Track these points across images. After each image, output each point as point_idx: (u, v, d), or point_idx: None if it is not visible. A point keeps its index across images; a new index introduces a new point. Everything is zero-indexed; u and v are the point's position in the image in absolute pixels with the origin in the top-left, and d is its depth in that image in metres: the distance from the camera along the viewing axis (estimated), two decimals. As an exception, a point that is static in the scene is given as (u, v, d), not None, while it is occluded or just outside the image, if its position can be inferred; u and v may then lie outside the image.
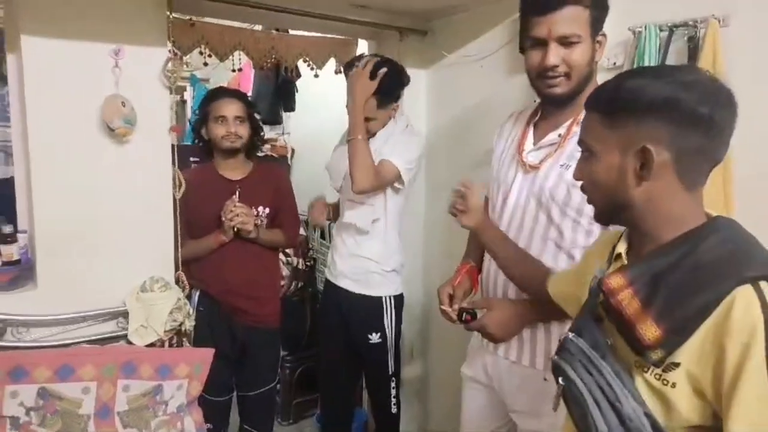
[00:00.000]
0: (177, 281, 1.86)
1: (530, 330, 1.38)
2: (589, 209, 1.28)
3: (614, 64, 1.75)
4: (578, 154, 1.29)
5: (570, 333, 0.92)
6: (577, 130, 1.32)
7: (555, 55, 1.27)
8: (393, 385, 2.16)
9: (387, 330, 2.10)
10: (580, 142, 0.94)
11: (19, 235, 1.67)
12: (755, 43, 1.44)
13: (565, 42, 1.26)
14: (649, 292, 0.82)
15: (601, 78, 1.81)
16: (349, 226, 2.07)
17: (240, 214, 2.00)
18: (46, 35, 1.58)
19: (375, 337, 2.09)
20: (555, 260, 1.33)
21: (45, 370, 1.57)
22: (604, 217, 0.96)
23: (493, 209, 1.50)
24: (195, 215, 2.03)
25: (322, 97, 3.18)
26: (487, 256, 1.49)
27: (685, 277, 0.80)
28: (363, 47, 2.62)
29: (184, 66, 4.46)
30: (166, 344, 1.80)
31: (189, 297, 2.00)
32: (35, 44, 1.58)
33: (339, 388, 2.28)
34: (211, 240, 2.05)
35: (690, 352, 0.79)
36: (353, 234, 2.08)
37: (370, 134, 2.00)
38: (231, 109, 2.03)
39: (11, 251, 1.64)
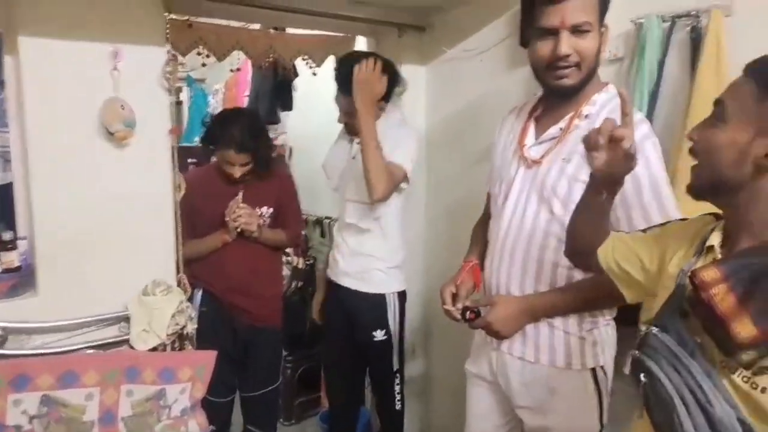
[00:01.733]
0: (179, 284, 1.84)
1: (534, 325, 1.37)
2: None
3: (615, 55, 1.74)
4: (580, 148, 1.25)
5: (654, 328, 0.86)
6: (578, 123, 1.31)
7: (567, 44, 1.24)
8: (397, 381, 2.15)
9: (391, 327, 2.09)
10: (717, 102, 0.86)
11: (19, 242, 1.65)
12: (759, 32, 1.42)
13: (577, 30, 1.24)
14: (747, 289, 0.76)
15: (602, 71, 1.81)
16: (351, 225, 2.05)
17: (244, 215, 2.00)
18: (43, 36, 1.56)
19: (380, 335, 2.07)
20: (557, 255, 1.32)
21: (48, 378, 1.55)
22: (703, 190, 0.88)
23: (494, 204, 1.49)
24: (199, 215, 2.03)
25: (320, 95, 3.15)
26: (489, 253, 1.47)
27: None
28: (361, 44, 2.60)
29: (181, 67, 4.46)
30: (169, 348, 1.79)
31: (191, 298, 1.98)
32: (33, 46, 1.55)
33: (346, 386, 2.28)
34: (214, 239, 2.05)
35: None
36: (354, 233, 2.07)
37: (356, 131, 1.98)
38: (238, 159, 2.03)
39: (12, 258, 1.62)
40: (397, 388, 2.15)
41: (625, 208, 1.24)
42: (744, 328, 0.74)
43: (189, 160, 3.28)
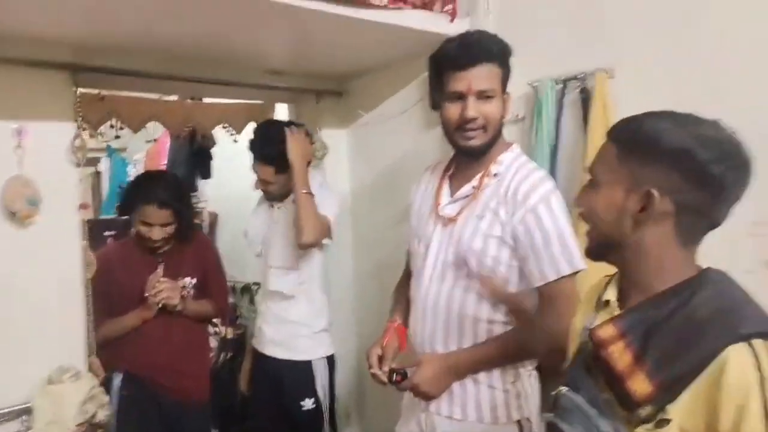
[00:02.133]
0: (90, 368, 1.72)
1: (459, 383, 1.37)
2: (506, 257, 1.33)
3: (518, 116, 1.86)
4: (493, 205, 1.34)
5: (563, 388, 0.87)
6: (487, 182, 1.38)
7: (473, 108, 1.32)
8: None
9: (320, 394, 2.03)
10: (590, 169, 0.91)
11: None
12: (639, 91, 1.57)
13: (483, 96, 1.33)
14: (642, 345, 0.78)
15: (507, 130, 1.93)
16: (274, 292, 2.02)
17: (165, 289, 1.92)
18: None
19: (308, 403, 2.01)
20: (477, 309, 1.35)
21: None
22: (594, 251, 0.92)
23: (414, 262, 1.52)
24: (116, 292, 1.93)
25: (241, 161, 3.16)
26: (413, 312, 1.48)
27: (678, 331, 0.78)
28: (282, 110, 2.65)
29: (99, 137, 4.35)
30: (80, 439, 1.65)
31: (109, 382, 1.86)
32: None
33: None
34: (134, 317, 1.94)
35: (682, 408, 0.76)
36: (279, 300, 2.04)
37: (275, 197, 2.02)
38: (158, 217, 1.93)
39: None
40: None
41: (537, 261, 1.29)
42: (640, 385, 0.76)
43: (107, 233, 3.15)
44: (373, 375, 1.43)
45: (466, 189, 1.41)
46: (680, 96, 1.52)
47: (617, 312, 0.88)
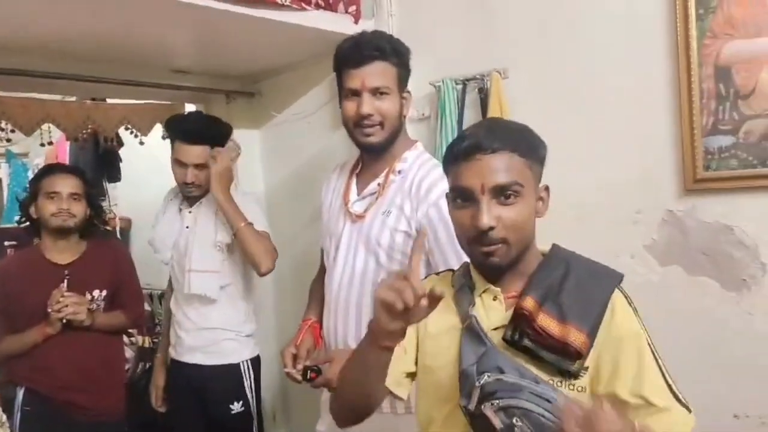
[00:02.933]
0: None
1: None
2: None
3: (423, 114, 1.93)
4: (398, 201, 1.37)
5: (485, 375, 0.88)
6: (393, 178, 1.42)
7: (368, 104, 1.36)
8: None
9: (248, 396, 2.00)
10: (503, 186, 0.90)
11: None
12: (529, 90, 1.68)
13: (377, 93, 1.36)
14: (557, 309, 0.88)
15: (411, 129, 1.99)
16: (193, 297, 1.97)
17: (70, 304, 1.79)
18: None
19: (237, 406, 1.97)
20: None
21: None
22: (511, 261, 0.93)
23: (327, 258, 1.54)
24: (17, 306, 1.80)
25: (154, 162, 3.05)
26: (326, 308, 1.50)
27: (576, 290, 0.90)
28: (190, 110, 2.59)
29: (-2, 141, 4.06)
30: (-25, 462, 1.55)
31: (11, 397, 1.76)
32: None
33: None
34: (34, 334, 1.80)
35: (592, 354, 0.88)
36: (197, 305, 1.97)
37: (199, 193, 1.94)
38: (65, 184, 1.84)
39: None
40: None
41: (441, 253, 1.33)
42: (577, 338, 0.85)
43: (7, 243, 2.95)
44: (288, 374, 1.43)
45: (372, 186, 1.45)
46: (567, 94, 1.64)
47: (500, 297, 0.96)
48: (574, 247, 0.98)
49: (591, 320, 0.87)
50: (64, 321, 1.81)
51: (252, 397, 2.01)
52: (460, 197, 0.93)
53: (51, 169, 1.92)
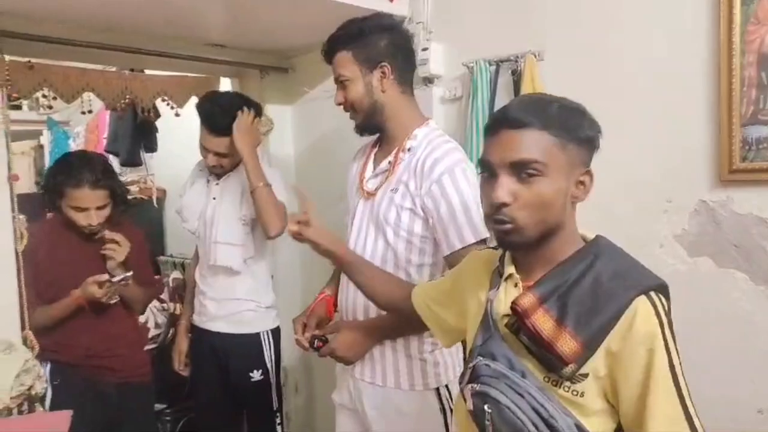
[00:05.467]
0: (24, 342, 1.70)
1: (380, 351, 1.44)
2: (420, 229, 1.38)
3: (454, 95, 1.92)
4: (405, 178, 1.39)
5: (480, 358, 0.90)
6: (402, 155, 1.44)
7: (337, 95, 1.46)
8: (279, 420, 2.12)
9: (268, 365, 2.07)
10: (522, 161, 0.87)
11: None
12: (563, 73, 1.65)
13: (340, 83, 1.44)
14: (560, 309, 0.84)
15: (442, 109, 1.98)
16: (218, 268, 2.03)
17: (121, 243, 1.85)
18: None
19: (257, 375, 2.04)
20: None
21: None
22: (531, 242, 0.90)
23: (344, 235, 1.58)
24: (47, 277, 1.83)
25: (189, 134, 3.11)
26: (342, 283, 1.53)
27: (589, 292, 0.84)
28: (225, 84, 2.62)
29: (41, 109, 4.19)
30: (15, 411, 1.64)
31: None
32: None
33: None
34: (65, 305, 1.83)
35: (596, 361, 0.84)
36: (224, 276, 2.04)
37: (223, 172, 2.00)
38: (92, 200, 1.82)
39: None
40: (279, 429, 2.12)
41: (444, 231, 1.35)
42: (567, 346, 0.82)
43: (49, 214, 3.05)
44: (297, 341, 1.49)
45: (384, 164, 1.48)
46: (603, 78, 1.61)
47: (520, 284, 0.94)
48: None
49: (593, 328, 0.83)
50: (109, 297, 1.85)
51: (272, 366, 2.08)
52: (486, 170, 0.92)
53: (74, 174, 1.81)
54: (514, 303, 0.87)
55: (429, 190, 1.34)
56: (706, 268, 1.50)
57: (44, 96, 1.99)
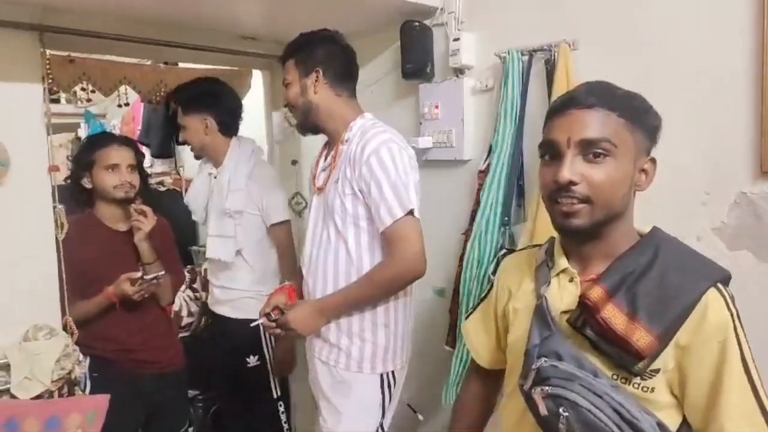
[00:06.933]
0: (64, 327, 1.76)
1: (336, 333, 1.51)
2: (363, 212, 1.45)
3: (486, 86, 1.89)
4: (344, 167, 1.46)
5: (544, 359, 0.86)
6: (342, 147, 1.50)
7: (285, 96, 1.61)
8: (282, 410, 2.16)
9: (265, 352, 2.11)
10: (599, 142, 0.84)
11: None
12: (599, 63, 1.61)
13: (285, 86, 1.60)
14: (630, 302, 0.81)
15: (472, 101, 1.96)
16: (214, 260, 2.09)
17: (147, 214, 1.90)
18: None
19: (253, 360, 2.11)
20: (347, 265, 1.49)
21: None
22: (591, 228, 0.87)
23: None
24: (81, 269, 1.86)
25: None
26: (305, 274, 1.61)
27: (657, 284, 0.82)
28: (256, 76, 2.65)
29: (78, 102, 4.29)
30: (56, 394, 1.70)
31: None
32: None
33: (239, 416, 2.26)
34: (102, 299, 1.87)
35: (665, 355, 0.81)
36: (221, 267, 2.11)
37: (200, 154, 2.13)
38: (123, 156, 1.90)
39: None
40: (282, 417, 2.16)
41: (376, 209, 1.42)
42: (642, 340, 0.79)
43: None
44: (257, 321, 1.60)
45: (329, 159, 1.57)
46: (639, 68, 1.57)
47: (576, 278, 0.91)
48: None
49: (667, 321, 0.80)
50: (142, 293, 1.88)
51: (268, 353, 2.12)
52: (548, 152, 0.89)
53: (104, 139, 1.95)
54: (583, 297, 0.84)
55: (360, 173, 1.42)
56: (746, 262, 1.46)
57: (83, 89, 2.04)
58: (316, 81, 1.54)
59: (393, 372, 1.53)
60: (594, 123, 0.84)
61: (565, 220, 0.87)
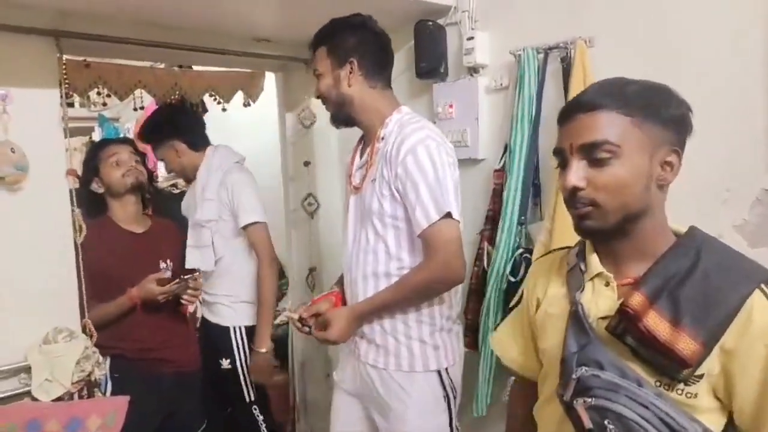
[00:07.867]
0: (84, 330, 1.78)
1: (381, 335, 1.47)
2: (402, 213, 1.40)
3: (500, 85, 1.88)
4: (380, 166, 1.41)
5: (584, 368, 0.83)
6: (378, 145, 1.45)
7: (315, 89, 1.55)
8: (257, 413, 2.18)
9: (236, 356, 2.14)
10: (598, 145, 0.84)
11: None
12: (617, 59, 1.59)
13: (316, 76, 1.53)
14: (672, 308, 0.79)
15: (487, 100, 1.94)
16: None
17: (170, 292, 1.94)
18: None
19: (225, 363, 2.14)
20: (387, 265, 1.45)
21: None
22: (613, 229, 0.86)
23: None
24: (101, 272, 1.87)
25: (232, 130, 3.16)
26: (346, 281, 1.56)
27: (700, 287, 0.79)
28: (269, 79, 2.65)
29: (92, 106, 4.33)
30: (76, 396, 1.72)
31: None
32: None
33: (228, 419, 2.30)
34: (124, 301, 1.91)
35: (710, 360, 0.79)
36: (206, 275, 2.14)
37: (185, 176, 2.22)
38: (124, 149, 2.00)
39: None
40: (259, 419, 2.18)
41: (412, 211, 1.37)
42: (688, 347, 0.77)
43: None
44: (290, 317, 1.56)
45: (365, 157, 1.51)
46: (657, 64, 1.55)
47: (613, 283, 0.88)
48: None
49: (711, 326, 0.77)
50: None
51: (240, 358, 2.14)
52: (559, 160, 0.89)
53: (104, 143, 2.08)
54: (624, 305, 0.82)
55: (397, 173, 1.38)
56: (769, 260, 1.43)
57: (98, 93, 2.05)
58: (350, 73, 1.47)
59: (447, 369, 1.48)
60: (595, 126, 0.84)
61: (579, 224, 0.88)
